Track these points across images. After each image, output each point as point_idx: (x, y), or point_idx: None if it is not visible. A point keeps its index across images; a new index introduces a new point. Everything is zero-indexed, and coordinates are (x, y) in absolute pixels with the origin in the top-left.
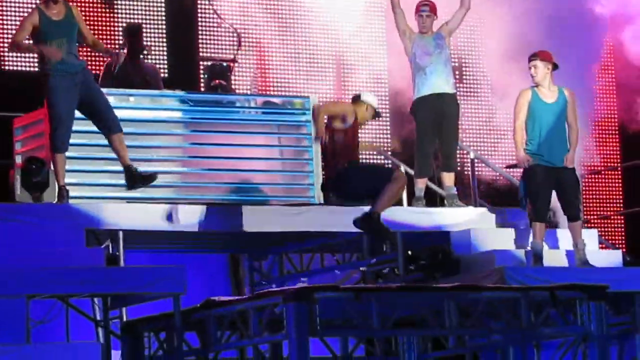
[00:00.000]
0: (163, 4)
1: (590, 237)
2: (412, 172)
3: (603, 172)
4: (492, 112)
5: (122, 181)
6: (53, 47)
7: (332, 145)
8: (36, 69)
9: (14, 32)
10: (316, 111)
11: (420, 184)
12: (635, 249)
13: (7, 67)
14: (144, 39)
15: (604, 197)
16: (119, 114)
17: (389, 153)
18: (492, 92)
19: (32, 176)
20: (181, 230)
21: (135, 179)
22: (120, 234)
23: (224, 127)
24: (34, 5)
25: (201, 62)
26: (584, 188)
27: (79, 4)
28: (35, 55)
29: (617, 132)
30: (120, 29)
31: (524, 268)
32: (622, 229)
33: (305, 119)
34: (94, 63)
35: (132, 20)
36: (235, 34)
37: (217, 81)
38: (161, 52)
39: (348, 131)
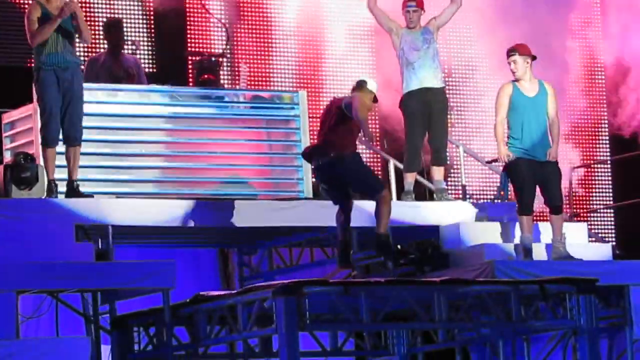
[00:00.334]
0: None
1: (579, 230)
2: (401, 166)
3: (592, 166)
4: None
5: (112, 176)
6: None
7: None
8: (23, 64)
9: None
10: (358, 118)
11: (410, 178)
12: (624, 242)
13: None
14: (130, 34)
15: (594, 190)
16: (109, 109)
17: (378, 147)
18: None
19: (21, 172)
20: (170, 225)
21: (74, 194)
22: (110, 229)
23: (213, 122)
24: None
25: (190, 57)
26: (575, 182)
27: None
28: (27, 48)
29: (606, 125)
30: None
31: (514, 262)
32: (612, 223)
33: (294, 114)
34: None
35: (122, 15)
36: (224, 29)
37: (206, 76)
38: (150, 47)
39: (354, 121)
